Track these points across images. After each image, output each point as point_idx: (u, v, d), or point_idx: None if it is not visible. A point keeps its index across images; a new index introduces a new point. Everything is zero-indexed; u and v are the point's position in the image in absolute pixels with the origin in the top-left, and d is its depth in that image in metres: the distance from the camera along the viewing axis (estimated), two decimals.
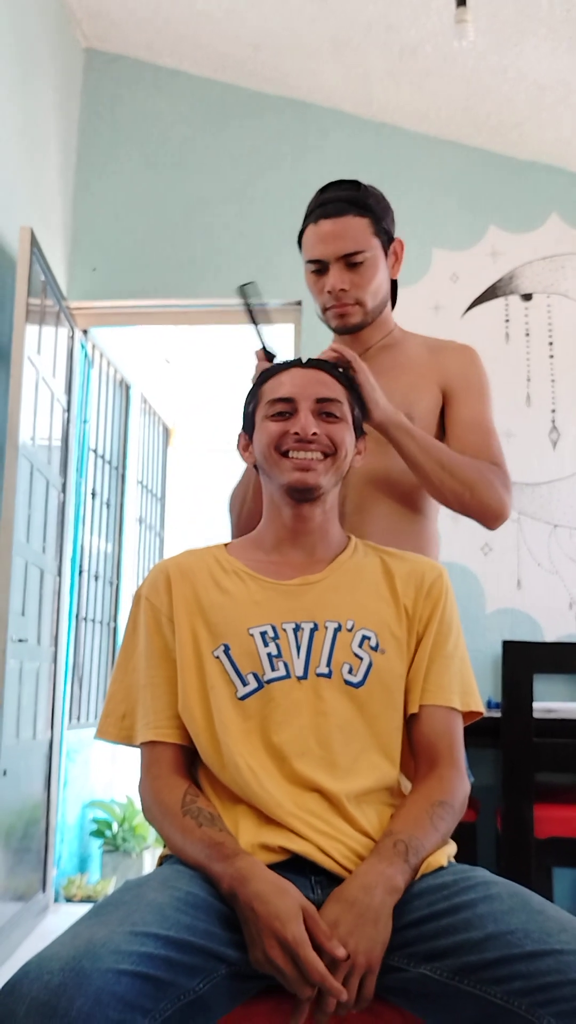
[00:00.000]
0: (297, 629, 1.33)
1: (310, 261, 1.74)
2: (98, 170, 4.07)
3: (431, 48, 3.44)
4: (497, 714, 2.35)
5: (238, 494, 1.80)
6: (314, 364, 1.45)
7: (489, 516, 1.68)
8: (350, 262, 1.70)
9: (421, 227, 3.83)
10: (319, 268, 1.73)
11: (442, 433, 1.77)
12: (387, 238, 1.75)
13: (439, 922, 1.09)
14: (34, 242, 3.25)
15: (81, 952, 0.94)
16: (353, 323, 1.76)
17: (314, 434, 1.37)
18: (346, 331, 1.78)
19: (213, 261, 3.92)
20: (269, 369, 1.47)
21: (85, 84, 4.14)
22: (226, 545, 1.49)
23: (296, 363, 1.45)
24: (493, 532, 3.54)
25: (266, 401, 1.43)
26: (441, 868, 1.22)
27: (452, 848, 1.30)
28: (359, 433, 1.48)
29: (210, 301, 3.91)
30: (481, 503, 1.66)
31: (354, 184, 1.73)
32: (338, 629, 1.33)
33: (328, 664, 1.31)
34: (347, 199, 1.70)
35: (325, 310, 1.77)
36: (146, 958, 0.96)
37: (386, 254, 1.76)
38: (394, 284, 1.86)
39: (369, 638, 1.33)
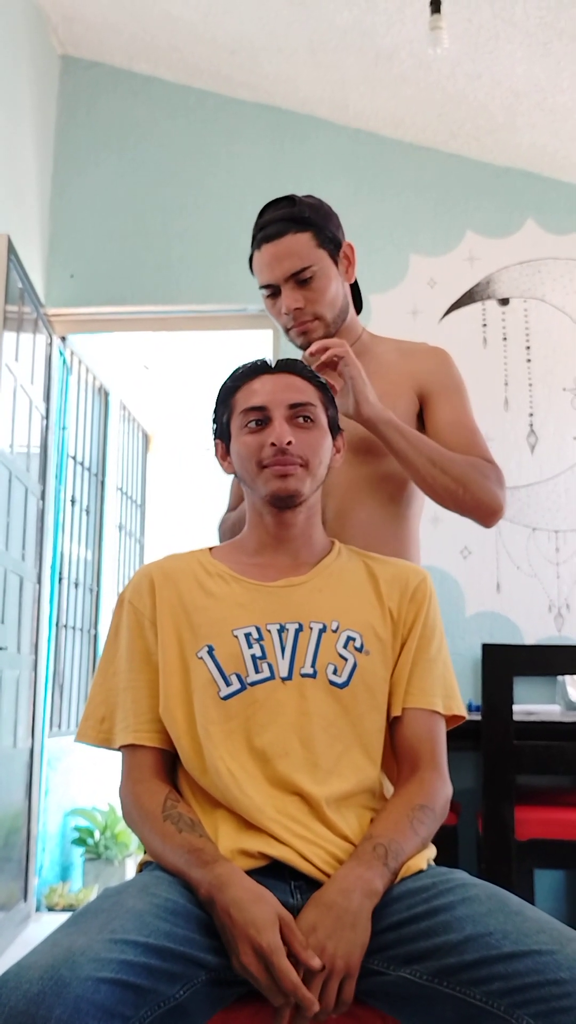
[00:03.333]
0: (282, 630, 1.33)
1: (262, 287, 1.73)
2: (75, 177, 4.06)
3: (406, 54, 3.45)
4: (477, 717, 2.36)
5: (228, 526, 1.79)
6: (283, 368, 1.43)
7: (485, 512, 1.66)
8: (299, 279, 1.68)
9: (398, 233, 3.84)
10: (271, 292, 1.72)
11: None
12: (334, 246, 1.72)
13: (418, 925, 1.09)
14: (11, 249, 3.24)
15: (60, 960, 0.93)
16: (317, 338, 1.73)
17: (289, 443, 1.36)
18: None
19: (191, 267, 3.92)
20: (239, 377, 1.44)
21: (61, 90, 4.14)
22: (211, 549, 1.48)
23: (265, 368, 1.43)
24: (472, 536, 3.56)
25: (240, 411, 1.41)
26: (420, 871, 1.22)
27: (432, 851, 1.30)
28: (335, 432, 1.48)
29: (188, 307, 3.92)
30: (476, 499, 1.64)
31: (289, 200, 1.71)
32: (323, 630, 1.33)
33: (313, 664, 1.31)
34: (284, 218, 1.68)
35: (287, 330, 1.76)
36: (126, 966, 0.95)
37: (336, 261, 1.73)
38: (356, 288, 1.84)
39: (354, 639, 1.33)
